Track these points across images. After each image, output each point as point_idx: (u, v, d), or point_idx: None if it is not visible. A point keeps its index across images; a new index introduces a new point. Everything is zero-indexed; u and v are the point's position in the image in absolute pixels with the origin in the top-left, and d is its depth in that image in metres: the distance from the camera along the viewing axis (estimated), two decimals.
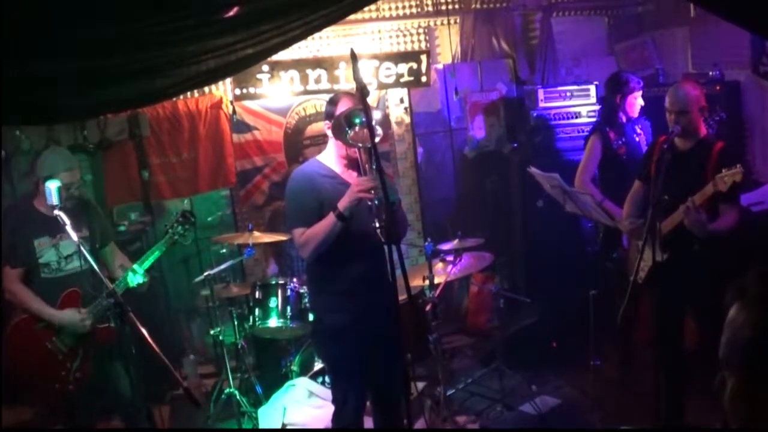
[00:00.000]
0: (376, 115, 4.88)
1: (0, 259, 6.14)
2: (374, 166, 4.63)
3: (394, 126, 9.85)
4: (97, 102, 5.18)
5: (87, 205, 6.53)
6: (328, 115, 5.28)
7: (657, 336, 6.42)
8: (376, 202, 4.69)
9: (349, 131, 4.81)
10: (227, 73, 6.73)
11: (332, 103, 5.30)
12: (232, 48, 4.92)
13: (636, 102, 7.62)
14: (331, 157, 5.36)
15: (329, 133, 5.25)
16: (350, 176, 5.24)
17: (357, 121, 4.77)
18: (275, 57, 7.03)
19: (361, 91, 4.40)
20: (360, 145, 4.80)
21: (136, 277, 6.28)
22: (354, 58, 4.41)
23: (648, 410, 6.35)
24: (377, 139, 4.69)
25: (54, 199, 5.36)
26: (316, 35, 8.50)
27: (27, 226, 6.03)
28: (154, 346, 4.76)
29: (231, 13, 4.51)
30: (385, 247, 4.48)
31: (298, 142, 9.61)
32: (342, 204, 4.99)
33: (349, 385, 5.46)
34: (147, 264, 6.40)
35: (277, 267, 8.47)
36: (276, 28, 4.87)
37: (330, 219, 5.03)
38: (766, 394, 2.04)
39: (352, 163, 5.26)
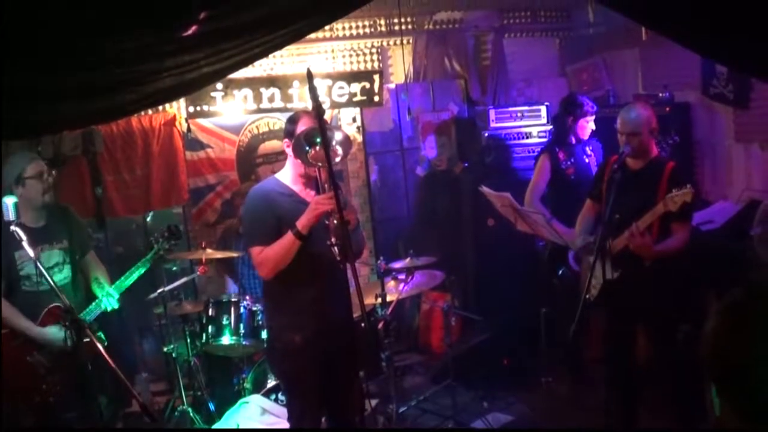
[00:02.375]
0: (338, 135, 4.87)
1: None
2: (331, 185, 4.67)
3: None
4: (53, 118, 5.16)
5: (66, 214, 6.49)
6: (288, 134, 5.26)
7: (608, 353, 6.50)
8: (334, 221, 4.72)
9: (309, 150, 4.82)
10: (185, 91, 6.73)
11: (292, 121, 5.29)
12: (190, 66, 4.93)
13: (587, 125, 7.72)
14: (288, 176, 5.36)
15: (289, 151, 5.24)
16: (308, 195, 5.25)
17: (317, 140, 4.75)
18: (229, 75, 7.07)
19: (318, 110, 4.43)
20: (319, 164, 4.81)
21: (110, 301, 6.27)
22: (310, 77, 4.44)
23: (599, 426, 6.42)
24: (338, 160, 4.74)
25: (10, 215, 5.31)
26: (271, 54, 8.54)
27: (6, 238, 5.88)
28: (111, 362, 4.76)
29: (189, 32, 4.53)
30: (341, 266, 4.52)
31: (251, 160, 9.59)
32: (300, 222, 4.99)
33: (304, 402, 5.45)
34: (125, 286, 6.38)
35: (237, 286, 8.46)
36: (235, 47, 4.89)
37: (288, 237, 5.03)
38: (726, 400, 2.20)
39: (310, 182, 5.29)
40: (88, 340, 5.95)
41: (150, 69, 4.84)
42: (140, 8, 4.13)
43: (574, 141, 7.78)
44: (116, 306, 6.31)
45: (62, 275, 6.21)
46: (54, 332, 6.04)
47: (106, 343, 6.44)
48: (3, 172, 6.10)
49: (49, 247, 6.15)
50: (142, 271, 6.53)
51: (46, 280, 5.62)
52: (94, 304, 6.24)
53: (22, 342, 6.02)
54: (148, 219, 9.48)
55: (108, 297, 6.27)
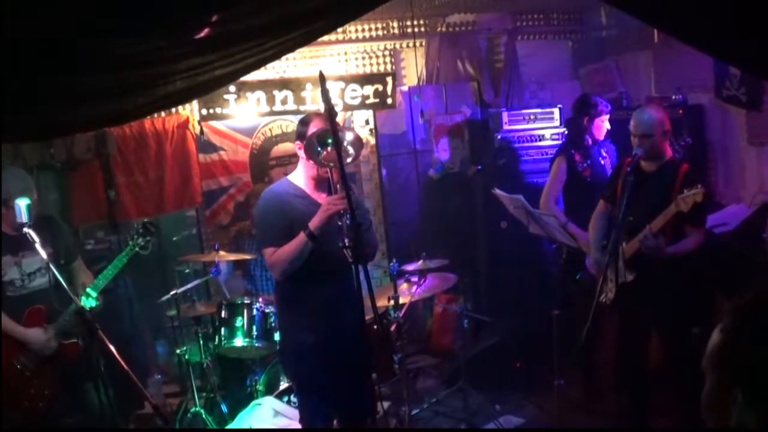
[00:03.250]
0: (349, 136, 4.87)
1: None
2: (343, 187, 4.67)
3: None
4: (65, 121, 5.17)
5: (50, 222, 6.49)
6: (300, 136, 5.28)
7: (621, 356, 6.48)
8: (347, 222, 4.71)
9: (321, 151, 4.82)
10: (197, 94, 6.73)
11: (304, 123, 5.31)
12: (202, 69, 4.92)
13: (603, 125, 7.67)
14: (300, 177, 5.38)
15: (301, 153, 5.25)
16: (320, 196, 5.26)
17: (329, 141, 4.75)
18: (242, 78, 7.07)
19: (330, 112, 4.44)
20: (331, 165, 4.82)
21: (88, 300, 6.23)
22: (323, 79, 4.45)
23: (611, 430, 6.42)
24: (349, 160, 4.74)
25: (24, 217, 5.35)
26: (283, 56, 8.56)
27: None
28: (123, 364, 4.77)
29: (202, 35, 4.53)
30: (353, 268, 4.52)
31: (263, 163, 9.62)
32: (313, 223, 5.01)
33: (316, 404, 5.47)
34: (101, 285, 6.31)
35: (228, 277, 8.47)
36: (247, 49, 4.88)
37: (300, 238, 5.05)
38: (729, 396, 2.20)
39: (322, 183, 5.29)
40: (66, 342, 6.03)
41: (162, 72, 4.84)
42: (152, 11, 4.14)
43: (590, 142, 7.73)
44: (94, 305, 6.23)
45: (43, 280, 6.21)
46: (36, 334, 6.09)
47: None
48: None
49: (31, 254, 6.14)
50: (115, 271, 6.42)
51: (31, 283, 5.70)
52: (72, 305, 6.20)
53: (9, 345, 6.05)
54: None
55: (86, 297, 6.25)
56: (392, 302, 7.32)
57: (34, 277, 6.22)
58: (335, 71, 9.66)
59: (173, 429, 7.54)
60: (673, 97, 8.48)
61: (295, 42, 5.10)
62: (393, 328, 7.31)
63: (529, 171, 9.17)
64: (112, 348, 4.91)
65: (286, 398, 7.24)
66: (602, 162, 7.72)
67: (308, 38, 5.23)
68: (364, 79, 9.56)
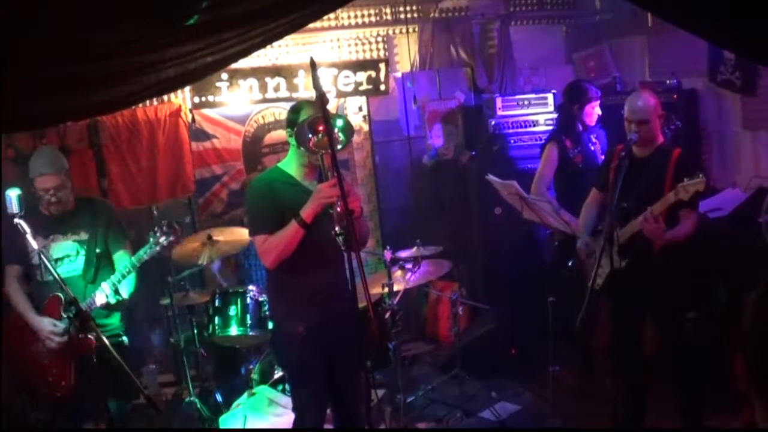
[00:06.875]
0: (339, 122, 4.83)
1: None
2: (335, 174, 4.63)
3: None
4: (56, 110, 5.15)
5: (95, 207, 6.42)
6: (291, 123, 5.24)
7: (616, 342, 6.46)
8: (338, 209, 4.67)
9: (311, 138, 4.78)
10: (187, 81, 6.72)
11: (294, 111, 5.26)
12: (192, 56, 4.91)
13: (594, 112, 7.66)
14: (291, 165, 5.32)
15: (291, 140, 5.20)
16: (311, 183, 5.22)
17: (320, 128, 4.72)
18: (234, 65, 7.02)
19: (321, 99, 4.40)
20: (322, 152, 4.78)
21: (113, 297, 6.07)
22: (313, 66, 4.42)
23: (607, 416, 6.40)
24: (339, 147, 4.70)
25: (14, 208, 5.33)
26: (275, 43, 8.51)
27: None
28: (116, 354, 4.75)
29: (191, 22, 4.50)
30: (345, 255, 4.49)
31: (256, 150, 9.60)
32: (305, 211, 4.95)
33: (309, 393, 5.42)
34: (117, 279, 6.05)
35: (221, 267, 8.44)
36: (236, 36, 4.87)
37: (292, 226, 4.99)
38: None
39: (313, 171, 5.26)
40: (81, 336, 5.94)
41: (152, 59, 4.83)
42: None
43: (580, 128, 7.72)
44: (117, 300, 6.09)
45: (71, 267, 6.14)
46: (46, 323, 5.99)
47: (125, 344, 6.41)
48: (30, 161, 6.10)
49: (62, 237, 6.11)
50: (136, 264, 6.09)
51: (52, 270, 5.59)
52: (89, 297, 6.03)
53: (28, 329, 6.02)
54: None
55: (100, 291, 6.09)
56: (386, 289, 7.31)
57: (60, 264, 6.10)
58: (328, 58, 9.65)
59: (169, 430, 7.53)
60: (668, 81, 8.47)
61: (284, 28, 5.10)
62: (387, 315, 7.30)
63: (522, 157, 9.15)
64: (105, 340, 4.90)
65: (280, 387, 7.23)
66: (592, 148, 7.70)
67: (297, 25, 5.22)
68: (357, 66, 9.55)
